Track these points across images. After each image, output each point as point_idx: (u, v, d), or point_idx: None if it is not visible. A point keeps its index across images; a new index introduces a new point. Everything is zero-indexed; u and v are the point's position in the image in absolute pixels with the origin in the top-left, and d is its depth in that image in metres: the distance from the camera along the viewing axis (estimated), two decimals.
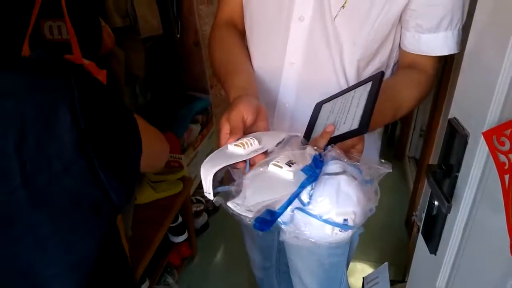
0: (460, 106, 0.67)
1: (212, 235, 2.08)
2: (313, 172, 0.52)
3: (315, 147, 0.61)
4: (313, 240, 0.53)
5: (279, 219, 0.52)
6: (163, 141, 0.67)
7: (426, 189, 1.61)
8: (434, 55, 0.81)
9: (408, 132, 2.50)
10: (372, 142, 0.93)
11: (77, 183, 0.46)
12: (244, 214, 0.51)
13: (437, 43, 0.78)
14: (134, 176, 0.53)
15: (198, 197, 2.08)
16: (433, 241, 0.73)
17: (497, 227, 0.53)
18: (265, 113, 0.69)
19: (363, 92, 0.68)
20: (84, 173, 0.46)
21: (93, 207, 0.49)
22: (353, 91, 0.72)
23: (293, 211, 0.53)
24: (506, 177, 0.51)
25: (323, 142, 0.63)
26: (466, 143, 0.63)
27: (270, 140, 0.61)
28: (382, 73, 0.69)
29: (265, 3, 0.83)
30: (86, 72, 0.48)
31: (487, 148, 0.55)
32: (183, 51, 1.88)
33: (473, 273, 0.63)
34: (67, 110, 0.44)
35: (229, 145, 0.61)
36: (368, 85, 0.68)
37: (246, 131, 0.65)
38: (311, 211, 0.52)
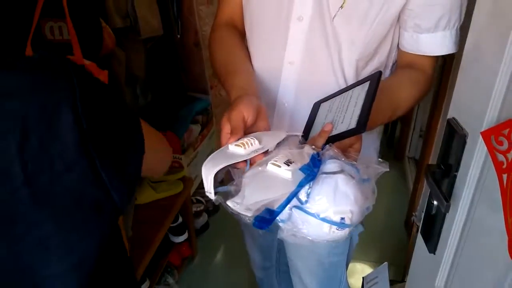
0: (459, 106, 0.68)
1: (212, 235, 2.09)
2: (311, 171, 0.53)
3: (313, 146, 0.61)
4: (310, 238, 0.54)
5: (277, 217, 0.52)
6: (165, 145, 0.67)
7: (425, 190, 1.62)
8: (433, 55, 0.81)
9: (408, 132, 2.51)
10: (371, 142, 0.93)
11: (79, 183, 0.46)
12: (243, 212, 0.52)
13: (435, 43, 0.79)
14: (135, 176, 0.53)
15: (198, 197, 2.08)
16: (432, 241, 0.73)
17: (495, 226, 0.54)
18: (265, 113, 0.69)
19: (361, 92, 0.69)
20: (86, 173, 0.46)
21: (94, 207, 0.49)
22: (351, 90, 0.72)
23: (291, 209, 0.53)
24: (504, 176, 0.51)
25: (321, 141, 0.63)
26: (464, 143, 0.63)
27: (270, 140, 0.62)
28: (380, 73, 0.69)
29: (265, 4, 0.84)
30: (88, 73, 0.49)
31: (485, 147, 0.56)
32: (183, 52, 1.89)
33: (472, 272, 0.63)
34: (69, 110, 0.44)
35: (229, 145, 0.61)
36: (366, 85, 0.69)
37: (247, 130, 0.65)
38: (309, 210, 0.53)
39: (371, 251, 1.95)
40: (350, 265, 1.11)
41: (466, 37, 0.65)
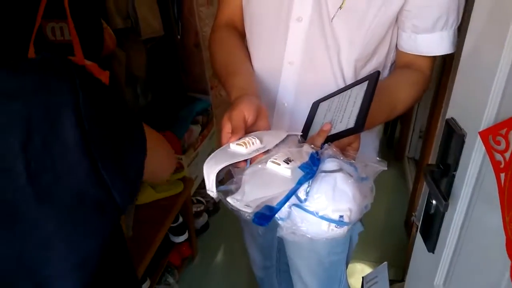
0: (458, 107, 0.68)
1: (212, 235, 2.09)
2: (310, 170, 0.53)
3: (312, 145, 0.62)
4: (309, 236, 0.54)
5: (276, 215, 0.53)
6: (169, 150, 0.67)
7: (425, 190, 1.62)
8: (430, 55, 0.82)
9: (408, 133, 2.51)
10: (370, 141, 0.94)
11: (80, 183, 0.47)
12: (243, 209, 0.52)
13: (433, 43, 0.80)
14: (137, 177, 0.53)
15: (199, 198, 2.08)
16: (431, 240, 0.74)
17: (493, 225, 0.54)
18: (265, 113, 0.70)
19: (359, 91, 0.69)
20: (88, 174, 0.47)
21: (96, 207, 0.49)
22: (349, 90, 0.73)
23: (290, 207, 0.54)
24: (502, 175, 0.52)
25: (320, 140, 0.64)
26: (463, 142, 0.64)
27: (271, 140, 0.62)
28: (378, 73, 0.70)
29: (265, 5, 0.84)
30: (91, 74, 0.49)
31: (483, 147, 0.56)
32: (184, 53, 1.89)
33: (470, 271, 0.64)
34: (71, 112, 0.44)
35: (231, 144, 0.62)
36: (365, 85, 0.70)
37: (247, 130, 0.66)
38: (308, 208, 0.53)
39: (371, 251, 1.95)
40: (350, 265, 1.12)
41: (464, 37, 0.66)
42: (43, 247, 0.48)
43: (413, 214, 1.71)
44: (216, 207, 2.19)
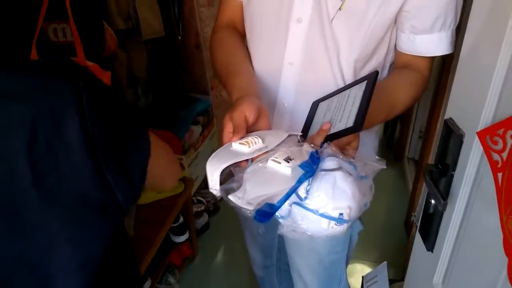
0: (456, 107, 0.69)
1: (212, 235, 2.10)
2: (310, 168, 0.54)
3: (312, 144, 0.63)
4: (310, 234, 0.55)
5: (277, 213, 0.54)
6: (174, 158, 0.67)
7: (425, 190, 1.63)
8: (429, 55, 0.83)
9: (408, 133, 2.52)
10: (369, 140, 0.94)
11: (84, 184, 0.48)
12: (244, 206, 0.53)
13: (431, 43, 0.80)
14: (141, 178, 0.54)
15: (199, 198, 2.09)
16: (430, 239, 0.74)
17: (491, 224, 0.55)
18: (266, 113, 0.71)
19: (358, 91, 0.70)
20: (91, 175, 0.47)
21: (99, 208, 0.50)
22: (348, 90, 0.74)
23: (290, 205, 0.55)
24: (499, 175, 0.52)
25: (319, 139, 0.65)
26: (461, 142, 0.64)
27: (273, 140, 0.63)
28: (376, 73, 0.71)
29: (265, 6, 0.85)
30: (94, 76, 0.50)
31: (481, 147, 0.57)
32: (184, 53, 1.90)
33: (469, 269, 0.65)
34: (75, 114, 0.45)
35: (233, 143, 0.62)
36: (363, 84, 0.70)
37: (248, 129, 0.67)
38: (308, 206, 0.54)
39: (371, 251, 1.96)
40: (350, 265, 1.12)
41: (462, 38, 0.66)
42: (47, 247, 0.49)
43: (413, 214, 1.71)
44: (217, 207, 2.20)
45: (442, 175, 0.69)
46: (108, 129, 0.49)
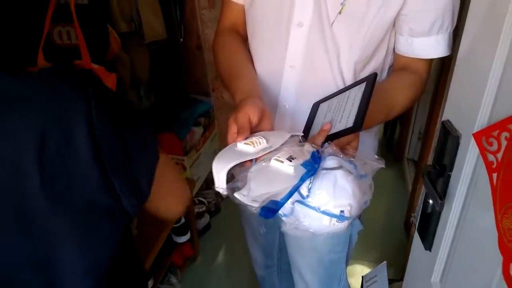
0: (453, 109, 0.71)
1: (213, 236, 2.11)
2: (312, 167, 0.56)
3: (313, 144, 0.64)
4: (312, 231, 0.57)
5: (280, 211, 0.55)
6: (182, 184, 0.66)
7: (424, 190, 1.64)
8: (427, 58, 0.85)
9: (407, 135, 2.54)
10: (369, 141, 0.96)
11: (91, 190, 0.49)
12: (250, 204, 0.55)
13: (429, 46, 0.82)
14: (147, 185, 0.54)
15: (201, 198, 2.10)
16: (428, 238, 0.76)
17: (486, 222, 0.56)
18: (269, 114, 0.72)
19: (357, 92, 0.72)
20: (98, 181, 0.48)
21: (107, 213, 0.51)
22: (348, 91, 0.75)
23: (293, 203, 0.57)
24: (494, 175, 0.54)
25: (320, 139, 0.67)
26: (458, 144, 0.66)
27: (276, 140, 0.65)
28: (375, 74, 0.73)
29: (266, 10, 0.87)
30: (102, 83, 0.51)
31: (477, 148, 0.58)
32: (186, 55, 1.91)
33: (465, 267, 0.66)
34: (84, 121, 0.46)
35: (238, 144, 0.64)
36: (363, 86, 0.72)
37: (252, 130, 0.69)
38: (310, 203, 0.56)
39: (371, 252, 1.97)
40: (350, 265, 1.13)
41: (460, 40, 0.68)
42: (55, 251, 0.50)
43: (412, 214, 1.73)
44: (218, 208, 2.21)
45: (439, 175, 0.70)
46: (116, 136, 0.50)
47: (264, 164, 0.59)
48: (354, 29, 0.80)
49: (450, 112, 0.71)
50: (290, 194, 0.54)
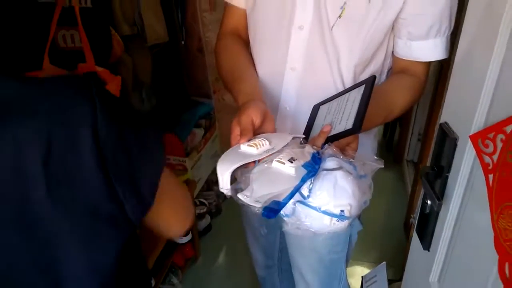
0: (451, 112, 0.72)
1: (214, 237, 2.12)
2: (313, 168, 0.58)
3: (314, 146, 0.66)
4: (313, 230, 0.58)
5: (282, 212, 0.57)
6: (188, 204, 0.66)
7: (423, 192, 1.65)
8: (425, 60, 0.86)
9: (407, 136, 2.55)
10: (368, 142, 0.98)
11: (95, 197, 0.49)
12: (252, 204, 0.56)
13: (427, 49, 0.84)
14: (151, 193, 0.54)
15: (202, 200, 2.11)
16: (426, 238, 0.77)
17: (483, 222, 0.57)
18: (271, 116, 0.74)
19: (357, 95, 0.73)
20: (102, 188, 0.49)
21: (110, 220, 0.51)
22: (347, 93, 0.77)
23: (294, 203, 0.58)
24: (490, 176, 0.55)
25: (321, 140, 0.68)
26: (455, 145, 0.67)
27: (279, 142, 0.67)
28: (374, 77, 0.74)
29: (268, 14, 0.88)
30: (108, 92, 0.51)
31: (474, 150, 0.60)
32: (187, 57, 1.93)
33: (463, 267, 0.67)
34: (89, 129, 0.47)
35: (241, 145, 0.66)
36: (362, 88, 0.74)
37: (255, 132, 0.70)
38: (311, 203, 0.57)
39: (371, 252, 1.98)
40: (350, 266, 1.14)
41: (457, 43, 0.69)
42: (59, 255, 0.50)
43: (412, 216, 1.74)
44: (219, 209, 2.22)
45: (437, 176, 0.72)
46: (121, 143, 0.50)
47: (266, 165, 0.60)
48: (354, 32, 0.81)
49: (447, 114, 0.72)
50: (291, 195, 0.55)
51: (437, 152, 0.72)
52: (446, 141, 0.69)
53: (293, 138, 0.70)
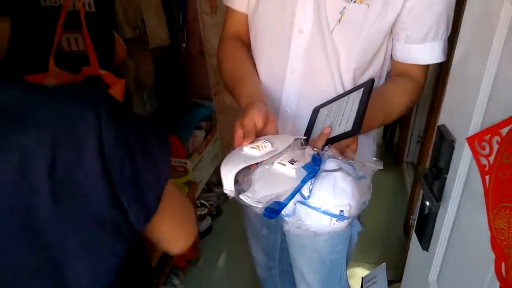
0: (448, 114, 0.73)
1: (215, 238, 2.13)
2: (313, 169, 0.59)
3: (314, 148, 0.67)
4: (313, 230, 0.60)
5: (283, 212, 0.58)
6: (191, 222, 0.65)
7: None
8: (423, 63, 0.88)
9: (406, 138, 2.56)
10: (367, 144, 0.99)
11: (99, 206, 0.50)
12: (254, 205, 0.58)
13: (424, 52, 0.85)
14: (155, 202, 0.54)
15: (202, 201, 2.12)
16: (425, 238, 0.78)
17: (480, 222, 0.58)
18: (273, 119, 0.75)
19: (356, 97, 0.75)
20: (106, 197, 0.49)
21: (114, 229, 0.52)
22: (347, 96, 0.79)
23: (295, 204, 0.60)
24: (487, 177, 0.56)
25: (321, 142, 0.70)
26: (453, 147, 0.68)
27: (281, 143, 0.68)
28: (372, 80, 0.76)
29: (269, 18, 0.90)
30: (113, 100, 0.51)
31: (471, 152, 0.61)
32: (188, 60, 1.94)
33: (461, 266, 0.68)
34: (94, 139, 0.47)
35: (244, 148, 0.67)
36: (361, 91, 0.75)
37: (257, 134, 0.72)
38: (311, 204, 0.59)
39: (371, 254, 1.99)
40: (351, 267, 1.15)
41: (454, 46, 0.70)
42: (63, 262, 0.51)
43: (412, 217, 1.74)
44: (219, 210, 2.23)
45: (436, 178, 0.73)
46: (125, 153, 0.50)
47: (267, 167, 0.62)
48: (353, 36, 0.83)
49: (445, 117, 0.74)
50: (292, 195, 0.56)
51: (435, 154, 0.73)
52: (444, 143, 0.70)
53: (295, 139, 0.71)
